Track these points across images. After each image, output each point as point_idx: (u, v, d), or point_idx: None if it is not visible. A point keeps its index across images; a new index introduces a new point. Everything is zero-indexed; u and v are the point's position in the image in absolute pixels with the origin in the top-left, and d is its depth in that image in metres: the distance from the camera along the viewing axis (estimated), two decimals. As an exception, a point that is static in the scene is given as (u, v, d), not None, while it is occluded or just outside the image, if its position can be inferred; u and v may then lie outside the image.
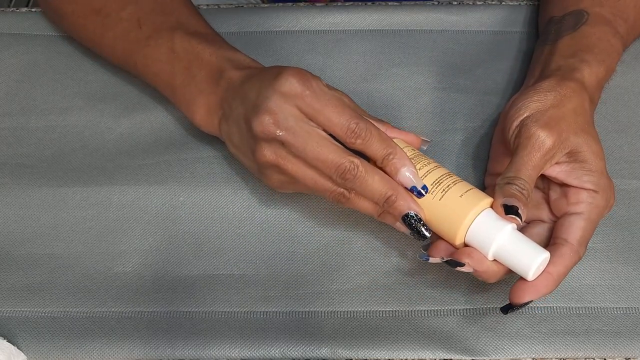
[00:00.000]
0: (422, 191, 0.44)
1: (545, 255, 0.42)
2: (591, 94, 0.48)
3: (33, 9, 0.63)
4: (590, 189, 0.45)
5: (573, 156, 0.45)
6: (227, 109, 0.48)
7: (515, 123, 0.46)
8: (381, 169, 0.45)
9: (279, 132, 0.44)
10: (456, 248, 0.44)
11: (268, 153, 0.45)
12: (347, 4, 0.62)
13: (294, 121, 0.44)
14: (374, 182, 0.44)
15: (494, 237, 0.42)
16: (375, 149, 0.44)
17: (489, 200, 0.44)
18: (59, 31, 0.61)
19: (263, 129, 0.44)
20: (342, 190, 0.45)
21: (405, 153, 0.45)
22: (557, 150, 0.44)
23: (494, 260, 0.43)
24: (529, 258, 0.42)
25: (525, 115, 0.46)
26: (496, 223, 0.43)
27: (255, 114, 0.45)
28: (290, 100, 0.44)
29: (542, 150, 0.44)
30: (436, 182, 0.45)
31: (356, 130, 0.44)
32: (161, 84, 0.53)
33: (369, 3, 0.62)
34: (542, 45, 0.53)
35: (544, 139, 0.44)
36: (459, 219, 0.43)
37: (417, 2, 0.62)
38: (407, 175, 0.44)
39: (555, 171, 0.45)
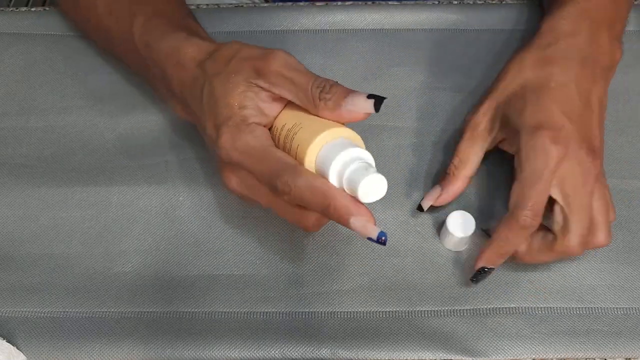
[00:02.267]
0: (382, 238, 0.39)
1: (374, 176, 0.39)
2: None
3: (32, 9, 0.63)
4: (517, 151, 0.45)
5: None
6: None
7: None
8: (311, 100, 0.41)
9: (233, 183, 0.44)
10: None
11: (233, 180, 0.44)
12: (347, 3, 0.62)
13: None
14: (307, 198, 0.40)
15: (335, 155, 0.40)
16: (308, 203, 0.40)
17: (341, 128, 0.42)
18: (58, 30, 0.61)
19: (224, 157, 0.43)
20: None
21: (345, 200, 0.40)
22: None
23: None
24: (360, 177, 0.39)
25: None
26: (343, 145, 0.40)
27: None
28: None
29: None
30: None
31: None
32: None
33: (369, 2, 0.62)
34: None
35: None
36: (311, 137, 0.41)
37: (417, 2, 0.62)
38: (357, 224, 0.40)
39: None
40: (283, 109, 0.44)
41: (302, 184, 0.40)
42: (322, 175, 0.41)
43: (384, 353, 0.46)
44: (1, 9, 0.64)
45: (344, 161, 0.40)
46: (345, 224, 0.40)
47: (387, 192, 0.52)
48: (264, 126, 0.43)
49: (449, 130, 0.55)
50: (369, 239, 0.39)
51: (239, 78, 0.43)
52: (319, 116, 0.42)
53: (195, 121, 0.48)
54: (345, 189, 0.40)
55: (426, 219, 0.51)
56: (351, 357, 0.46)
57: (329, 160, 0.40)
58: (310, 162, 0.41)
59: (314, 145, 0.41)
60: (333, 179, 0.40)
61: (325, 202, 0.39)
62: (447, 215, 0.49)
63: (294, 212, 0.42)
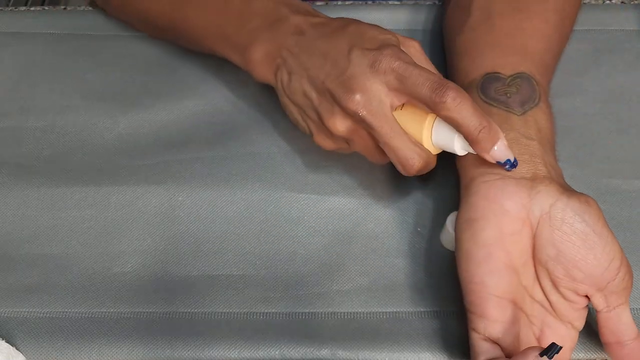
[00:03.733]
0: (515, 164, 0.42)
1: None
2: None
3: (32, 8, 0.63)
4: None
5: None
6: (291, 62, 0.47)
7: None
8: (472, 140, 0.42)
9: (362, 112, 0.43)
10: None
11: (343, 126, 0.45)
12: (347, 3, 0.62)
13: (377, 104, 0.43)
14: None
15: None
16: (464, 119, 0.42)
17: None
18: (57, 29, 0.61)
19: (351, 106, 0.43)
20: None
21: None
22: None
23: None
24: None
25: None
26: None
27: (344, 89, 0.43)
28: (381, 76, 0.43)
29: None
30: None
31: (443, 97, 0.41)
32: (211, 36, 0.51)
33: (369, 2, 0.62)
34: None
35: None
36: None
37: (417, 2, 0.62)
38: (501, 149, 0.42)
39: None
40: None
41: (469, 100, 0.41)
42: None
43: (384, 354, 0.46)
44: (0, 8, 0.64)
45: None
46: (493, 144, 0.41)
47: (387, 192, 0.52)
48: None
49: (450, 130, 0.55)
50: (501, 162, 0.42)
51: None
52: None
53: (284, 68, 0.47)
54: None
55: (426, 219, 0.51)
56: (351, 357, 0.45)
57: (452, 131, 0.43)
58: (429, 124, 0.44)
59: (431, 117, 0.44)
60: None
61: (483, 121, 0.41)
62: (447, 215, 0.49)
63: (408, 147, 0.44)
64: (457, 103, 0.41)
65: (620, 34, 0.60)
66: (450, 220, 0.48)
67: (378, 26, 0.46)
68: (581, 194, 0.42)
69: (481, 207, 0.43)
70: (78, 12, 0.63)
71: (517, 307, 0.42)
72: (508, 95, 0.46)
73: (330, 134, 0.46)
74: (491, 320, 0.41)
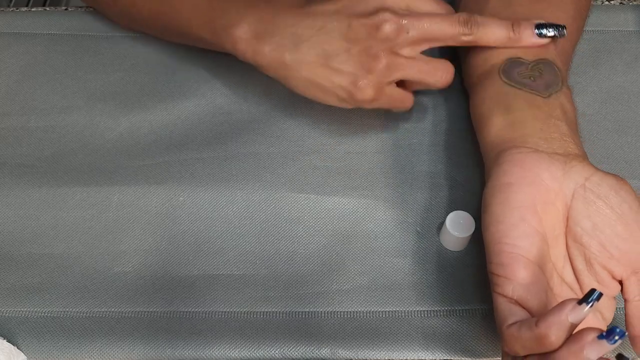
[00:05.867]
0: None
1: None
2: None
3: (33, 9, 0.63)
4: None
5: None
6: (302, 30, 0.48)
7: None
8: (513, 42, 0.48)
9: (403, 21, 0.47)
10: None
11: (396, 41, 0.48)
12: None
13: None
14: (493, 26, 0.48)
15: None
16: (493, 34, 0.48)
17: None
18: (59, 30, 0.61)
19: (388, 24, 0.47)
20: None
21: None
22: None
23: None
24: None
25: None
26: None
27: (371, 16, 0.47)
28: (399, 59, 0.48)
29: None
30: None
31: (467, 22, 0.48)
32: (198, 22, 0.51)
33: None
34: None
35: None
36: None
37: None
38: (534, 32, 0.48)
39: None
40: None
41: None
42: None
43: (384, 353, 0.46)
44: (1, 9, 0.64)
45: None
46: (530, 28, 0.49)
47: (386, 192, 0.52)
48: None
49: (449, 130, 0.55)
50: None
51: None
52: None
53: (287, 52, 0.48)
54: None
55: (426, 219, 0.51)
56: (351, 356, 0.46)
57: None
58: None
59: None
60: None
61: (508, 25, 0.49)
62: (447, 215, 0.49)
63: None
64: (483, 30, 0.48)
65: (620, 35, 0.60)
66: (450, 220, 0.48)
67: None
68: (614, 174, 0.42)
69: (515, 173, 0.42)
70: (79, 12, 0.63)
71: (546, 278, 0.40)
72: (532, 78, 0.47)
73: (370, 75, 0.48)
74: (520, 282, 0.39)
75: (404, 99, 0.50)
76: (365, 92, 0.47)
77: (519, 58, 0.48)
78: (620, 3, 0.63)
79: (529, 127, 0.44)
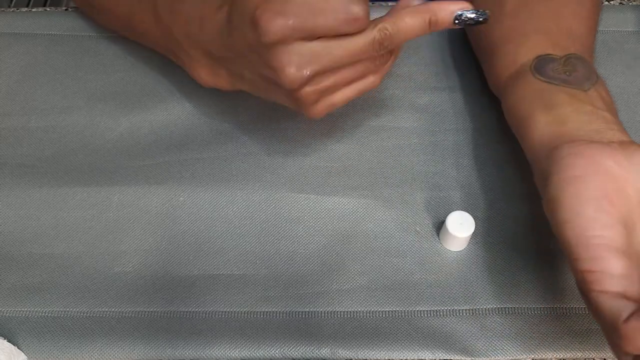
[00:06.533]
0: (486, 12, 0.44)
1: None
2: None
3: (33, 9, 0.63)
4: None
5: None
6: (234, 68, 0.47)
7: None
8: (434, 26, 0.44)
9: (306, 72, 0.43)
10: None
11: (308, 92, 0.44)
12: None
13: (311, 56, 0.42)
14: (407, 24, 0.44)
15: None
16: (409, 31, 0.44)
17: None
18: (59, 30, 0.61)
19: (292, 81, 0.43)
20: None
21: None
22: None
23: None
24: None
25: None
26: None
27: (276, 76, 0.43)
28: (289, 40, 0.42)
29: None
30: None
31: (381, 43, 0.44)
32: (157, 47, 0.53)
33: (369, 3, 0.62)
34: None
35: None
36: None
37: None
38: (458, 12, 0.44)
39: None
40: None
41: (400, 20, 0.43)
42: None
43: (384, 352, 0.46)
44: (2, 9, 0.64)
45: None
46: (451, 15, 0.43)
47: (386, 192, 0.52)
48: None
49: (449, 130, 0.55)
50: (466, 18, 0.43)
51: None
52: None
53: (231, 67, 0.47)
54: None
55: (426, 219, 0.51)
56: (351, 356, 0.46)
57: None
58: None
59: None
60: None
61: (426, 16, 0.43)
62: (447, 215, 0.49)
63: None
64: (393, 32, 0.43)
65: (619, 35, 0.60)
66: (450, 220, 0.48)
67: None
68: None
69: (581, 165, 0.40)
70: (78, 12, 0.63)
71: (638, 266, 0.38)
72: (568, 74, 0.46)
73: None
74: (618, 272, 0.37)
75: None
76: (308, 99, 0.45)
77: (549, 54, 0.47)
78: (620, 3, 0.63)
79: (576, 120, 0.44)
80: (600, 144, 0.41)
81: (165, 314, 0.47)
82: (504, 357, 0.45)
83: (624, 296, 0.37)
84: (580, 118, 0.44)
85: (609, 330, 0.37)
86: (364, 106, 0.56)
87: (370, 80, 0.46)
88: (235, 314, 0.47)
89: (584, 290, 0.38)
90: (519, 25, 0.50)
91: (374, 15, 0.61)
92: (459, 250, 0.50)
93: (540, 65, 0.47)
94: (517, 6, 0.51)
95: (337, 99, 0.46)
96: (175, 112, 0.56)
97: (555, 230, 0.40)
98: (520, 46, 0.49)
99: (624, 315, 0.36)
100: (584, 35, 0.50)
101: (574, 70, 0.46)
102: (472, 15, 0.43)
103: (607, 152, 0.41)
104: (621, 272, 0.37)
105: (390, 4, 0.62)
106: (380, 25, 0.43)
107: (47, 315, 0.47)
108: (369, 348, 0.46)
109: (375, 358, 0.46)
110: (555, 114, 0.44)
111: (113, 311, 0.48)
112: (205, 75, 0.49)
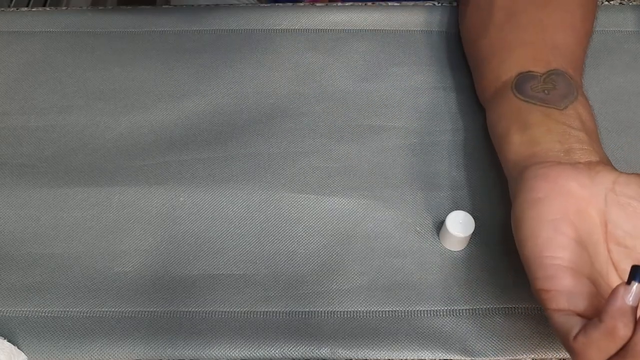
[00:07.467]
0: None
1: None
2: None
3: (33, 9, 0.63)
4: None
5: None
6: None
7: None
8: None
9: None
10: None
11: None
12: (347, 4, 0.62)
13: None
14: None
15: None
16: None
17: None
18: (57, 27, 0.61)
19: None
20: None
21: None
22: None
23: None
24: None
25: None
26: None
27: None
28: None
29: None
30: None
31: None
32: None
33: (369, 3, 0.62)
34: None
35: None
36: None
37: (417, 3, 0.62)
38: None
39: None
40: None
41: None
42: None
43: (384, 352, 0.46)
44: (1, 9, 0.64)
45: None
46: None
47: (386, 192, 0.52)
48: None
49: (449, 130, 0.55)
50: None
51: None
52: None
53: None
54: None
55: (426, 219, 0.51)
56: (351, 356, 0.46)
57: None
58: None
59: None
60: None
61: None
62: (447, 215, 0.49)
63: None
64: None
65: (619, 35, 0.60)
66: (450, 220, 0.49)
67: None
68: (635, 173, 0.42)
69: (543, 188, 0.41)
70: (77, 10, 0.63)
71: (594, 286, 0.39)
72: (546, 92, 0.46)
73: None
74: (571, 291, 0.38)
75: None
76: None
77: (530, 71, 0.48)
78: (620, 3, 0.63)
79: (547, 141, 0.44)
80: (566, 166, 0.42)
81: (165, 314, 0.47)
82: (504, 357, 0.46)
83: (577, 314, 0.38)
84: (552, 138, 0.44)
85: (565, 346, 0.38)
86: (364, 106, 0.56)
87: None
88: (235, 314, 0.47)
89: (542, 307, 0.39)
90: (503, 38, 0.50)
91: (370, 14, 0.61)
92: (459, 250, 0.50)
93: (520, 83, 0.47)
94: (505, 18, 0.51)
95: None
96: (175, 112, 0.56)
97: (518, 249, 0.41)
98: (504, 62, 0.49)
99: (574, 331, 0.36)
100: (571, 47, 0.49)
101: (553, 88, 0.47)
102: None
103: (571, 174, 0.41)
104: (575, 290, 0.38)
105: (390, 3, 0.62)
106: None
107: (47, 315, 0.47)
108: (368, 348, 0.46)
109: (375, 358, 0.46)
110: (529, 134, 0.45)
111: (113, 311, 0.48)
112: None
